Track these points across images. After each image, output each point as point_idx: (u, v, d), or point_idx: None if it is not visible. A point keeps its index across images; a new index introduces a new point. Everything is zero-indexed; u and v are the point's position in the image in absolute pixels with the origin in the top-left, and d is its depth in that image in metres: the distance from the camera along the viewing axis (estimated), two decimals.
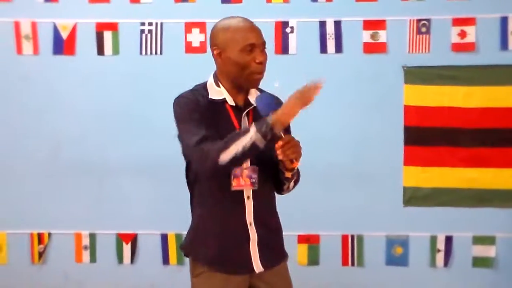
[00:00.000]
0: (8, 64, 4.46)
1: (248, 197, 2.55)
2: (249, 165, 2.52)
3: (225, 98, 2.55)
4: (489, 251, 4.44)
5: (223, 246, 2.55)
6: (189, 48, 4.38)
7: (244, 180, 2.52)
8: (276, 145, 2.38)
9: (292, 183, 2.62)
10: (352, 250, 4.49)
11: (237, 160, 2.37)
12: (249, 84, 2.54)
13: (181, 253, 4.41)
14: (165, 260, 4.55)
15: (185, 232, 4.36)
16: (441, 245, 4.46)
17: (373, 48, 4.35)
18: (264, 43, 2.54)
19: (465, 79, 4.32)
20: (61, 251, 4.57)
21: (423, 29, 4.30)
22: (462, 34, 4.30)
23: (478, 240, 4.44)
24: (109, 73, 4.46)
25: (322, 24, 4.33)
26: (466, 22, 4.30)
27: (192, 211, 2.69)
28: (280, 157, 2.40)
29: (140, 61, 4.42)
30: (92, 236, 4.55)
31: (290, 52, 4.37)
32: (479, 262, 4.46)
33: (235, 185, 2.51)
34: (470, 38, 4.30)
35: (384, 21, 4.32)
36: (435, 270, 4.49)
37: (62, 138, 4.51)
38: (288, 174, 2.52)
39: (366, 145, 4.42)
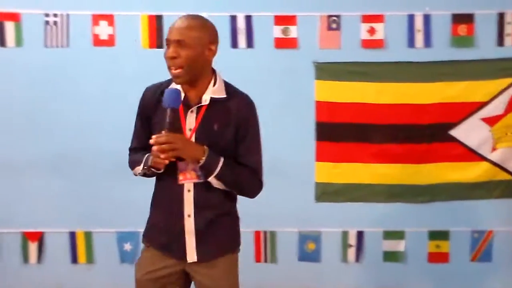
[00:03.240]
0: None
1: (189, 190, 2.67)
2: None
3: None
4: (399, 246, 4.52)
5: (164, 234, 2.74)
6: (97, 41, 4.25)
7: (190, 174, 2.64)
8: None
9: (214, 180, 2.65)
10: (265, 246, 4.48)
11: (146, 175, 2.73)
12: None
13: (90, 252, 4.38)
14: (74, 259, 4.45)
15: (93, 230, 4.37)
16: (352, 240, 4.51)
17: (284, 43, 4.32)
18: (176, 40, 2.56)
19: (375, 76, 4.34)
20: None
21: (334, 25, 4.31)
22: (371, 31, 4.32)
23: (388, 235, 4.51)
24: (12, 66, 4.30)
25: (233, 19, 4.28)
26: (375, 19, 4.31)
27: None
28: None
29: (45, 53, 4.26)
30: None
31: None
32: (390, 256, 4.53)
33: (181, 179, 2.65)
34: (379, 35, 4.33)
35: (294, 16, 4.29)
36: (347, 265, 4.54)
37: None
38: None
39: (278, 141, 4.36)
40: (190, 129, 2.64)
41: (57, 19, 4.21)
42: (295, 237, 4.50)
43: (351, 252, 4.52)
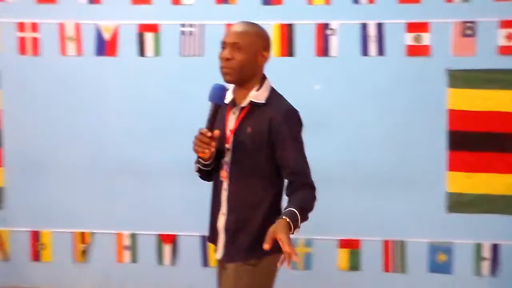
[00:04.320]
0: (52, 65, 4.52)
1: (225, 189, 2.73)
2: (227, 160, 2.71)
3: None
4: None
5: (211, 230, 2.82)
6: None
7: (224, 173, 2.72)
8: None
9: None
10: (393, 256, 4.41)
11: (202, 175, 2.81)
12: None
13: None
14: (205, 262, 4.56)
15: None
16: (487, 253, 4.34)
17: (416, 51, 4.25)
18: (233, 43, 2.65)
19: None
20: (103, 251, 4.63)
21: (468, 32, 4.19)
22: (510, 37, 4.16)
23: None
24: (150, 74, 4.48)
25: (364, 27, 4.27)
26: None
27: None
28: None
29: (181, 62, 4.42)
30: (133, 237, 4.59)
31: (331, 54, 4.31)
32: None
33: (221, 175, 2.73)
34: None
35: (427, 23, 4.22)
36: (481, 279, 4.38)
37: (104, 138, 4.56)
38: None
39: (409, 150, 4.34)
40: (230, 130, 2.71)
41: (193, 29, 4.37)
42: (425, 248, 4.40)
43: (485, 266, 4.35)
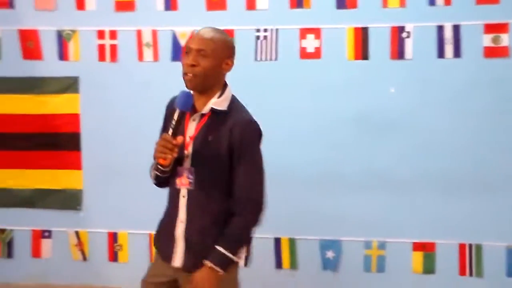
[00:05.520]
0: (130, 71, 4.61)
1: (184, 196, 2.71)
2: (188, 166, 2.69)
3: None
4: None
5: (162, 236, 2.83)
6: (304, 54, 4.39)
7: (185, 180, 2.69)
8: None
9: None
10: (470, 259, 4.35)
11: (159, 182, 2.78)
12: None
13: (294, 258, 4.49)
14: (278, 264, 4.58)
15: (298, 237, 4.48)
16: None
17: (494, 52, 4.20)
18: (198, 49, 2.62)
19: None
20: None
21: None
22: None
23: None
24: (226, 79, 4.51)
25: (440, 29, 4.23)
26: None
27: None
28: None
29: (255, 66, 4.46)
30: None
31: (406, 57, 4.29)
32: None
33: (178, 183, 2.71)
34: None
35: (507, 24, 4.17)
36: None
37: None
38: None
39: (487, 152, 4.29)
40: (189, 137, 2.70)
41: (267, 33, 4.40)
42: (503, 252, 4.34)
43: None
